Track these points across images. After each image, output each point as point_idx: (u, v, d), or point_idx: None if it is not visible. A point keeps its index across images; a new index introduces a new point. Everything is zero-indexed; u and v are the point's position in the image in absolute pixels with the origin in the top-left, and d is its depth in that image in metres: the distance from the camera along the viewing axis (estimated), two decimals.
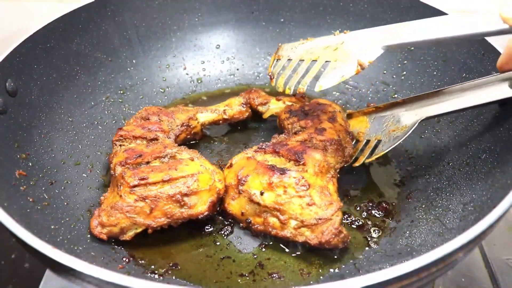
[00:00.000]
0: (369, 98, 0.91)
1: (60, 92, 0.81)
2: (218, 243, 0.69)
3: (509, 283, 0.71)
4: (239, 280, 0.64)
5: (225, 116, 0.85)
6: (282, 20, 0.99)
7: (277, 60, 0.69)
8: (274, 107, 0.85)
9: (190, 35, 1.00)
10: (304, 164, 0.65)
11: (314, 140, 0.69)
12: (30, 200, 0.65)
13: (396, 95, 0.89)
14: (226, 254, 0.67)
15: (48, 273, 0.72)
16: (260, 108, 0.86)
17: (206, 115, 0.84)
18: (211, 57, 1.01)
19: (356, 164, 0.71)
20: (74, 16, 0.84)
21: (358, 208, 0.73)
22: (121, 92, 0.91)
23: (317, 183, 0.64)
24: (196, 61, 1.00)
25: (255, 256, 0.67)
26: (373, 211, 0.73)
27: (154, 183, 0.64)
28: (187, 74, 0.99)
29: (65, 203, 0.70)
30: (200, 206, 0.65)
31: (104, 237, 0.64)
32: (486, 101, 0.64)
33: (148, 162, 0.67)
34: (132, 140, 0.74)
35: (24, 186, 0.66)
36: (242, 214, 0.67)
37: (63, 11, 0.83)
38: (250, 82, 0.99)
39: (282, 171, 0.64)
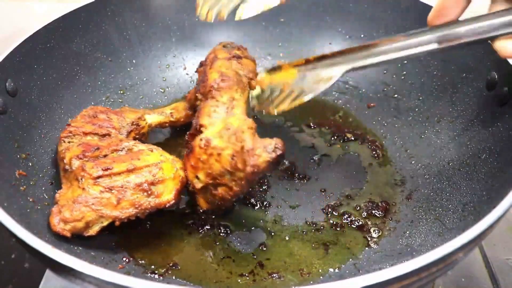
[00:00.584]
0: (369, 98, 0.92)
1: (60, 92, 0.81)
2: (218, 243, 0.69)
3: (509, 283, 0.71)
4: (239, 280, 0.64)
5: (171, 119, 0.85)
6: (282, 20, 0.99)
7: None
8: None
9: (190, 35, 1.00)
10: (201, 126, 0.66)
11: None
12: (30, 200, 0.65)
13: (396, 95, 0.89)
14: (226, 254, 0.67)
15: (48, 273, 0.72)
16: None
17: (153, 117, 0.83)
18: None
19: (276, 111, 0.69)
20: (74, 16, 0.84)
21: (358, 208, 0.73)
22: (121, 92, 0.91)
23: (216, 130, 0.63)
24: (196, 61, 1.00)
25: (255, 256, 0.67)
26: (373, 211, 0.73)
27: (119, 173, 0.62)
28: (187, 74, 0.99)
29: None
30: (166, 194, 0.64)
31: (68, 234, 0.61)
32: (414, 53, 0.63)
33: (105, 155, 0.66)
34: (82, 136, 0.71)
35: (24, 186, 0.66)
36: (209, 203, 0.67)
37: (63, 11, 0.83)
38: None
39: (190, 149, 0.64)
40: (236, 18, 0.60)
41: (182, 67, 0.99)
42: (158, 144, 0.84)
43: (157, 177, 0.64)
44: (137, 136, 0.79)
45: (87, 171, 0.62)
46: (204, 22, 0.99)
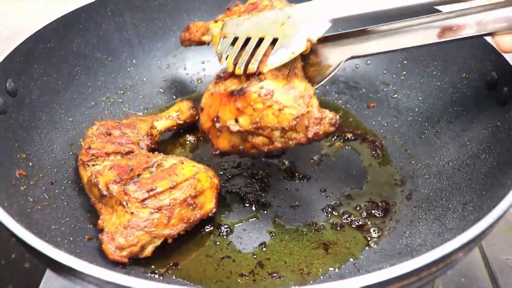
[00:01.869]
0: (369, 98, 0.92)
1: (60, 92, 0.81)
2: (218, 243, 0.69)
3: (509, 283, 0.71)
4: (239, 280, 0.64)
5: (179, 122, 0.86)
6: None
7: (223, 38, 0.67)
8: (217, 30, 0.80)
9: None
10: (260, 73, 0.62)
11: None
12: (30, 200, 0.65)
13: (396, 95, 0.89)
14: (226, 254, 0.67)
15: (48, 273, 0.72)
16: (205, 38, 0.83)
17: (162, 123, 0.84)
18: (211, 57, 1.01)
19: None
20: (74, 16, 0.84)
21: (358, 208, 0.73)
22: (121, 92, 0.91)
23: (280, 85, 0.61)
24: (196, 61, 1.00)
25: (255, 256, 0.67)
26: (373, 211, 0.73)
27: (163, 192, 0.63)
28: (187, 74, 0.99)
29: (65, 203, 0.70)
30: (208, 204, 0.67)
31: (126, 260, 0.62)
32: (415, 44, 0.62)
33: (139, 175, 0.66)
34: (105, 157, 0.70)
35: (24, 186, 0.66)
36: (233, 147, 0.66)
37: (63, 11, 0.83)
38: None
39: (242, 92, 0.62)
40: (266, 70, 0.60)
41: (182, 67, 0.99)
42: (163, 143, 0.86)
43: (198, 189, 0.66)
44: (153, 146, 0.80)
45: (131, 195, 0.63)
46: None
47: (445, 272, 0.51)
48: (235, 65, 0.63)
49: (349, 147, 0.84)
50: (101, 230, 0.64)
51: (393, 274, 0.43)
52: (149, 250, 0.63)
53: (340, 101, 0.94)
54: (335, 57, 0.66)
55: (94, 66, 0.88)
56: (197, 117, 0.88)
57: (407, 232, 0.69)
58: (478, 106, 0.73)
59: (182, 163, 0.68)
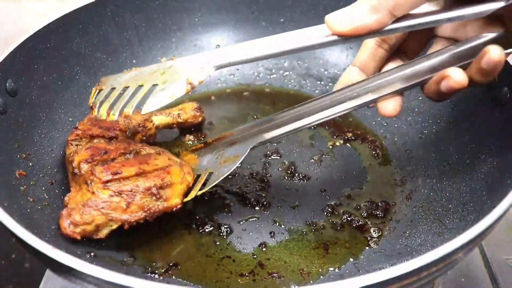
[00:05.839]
0: None
1: (60, 92, 0.81)
2: (218, 243, 0.69)
3: (509, 283, 0.71)
4: (239, 280, 0.64)
5: (179, 120, 0.86)
6: (282, 20, 0.99)
7: (99, 91, 0.66)
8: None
9: (190, 35, 1.00)
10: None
11: None
12: (30, 200, 0.65)
13: None
14: (226, 254, 0.67)
15: (48, 273, 0.72)
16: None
17: (160, 118, 0.84)
18: None
19: (188, 198, 0.68)
20: (74, 16, 0.84)
21: (358, 208, 0.73)
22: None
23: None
24: None
25: (255, 256, 0.67)
26: (373, 211, 0.73)
27: (128, 177, 0.64)
28: None
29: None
30: (174, 198, 0.66)
31: (78, 236, 0.62)
32: (318, 122, 0.66)
33: (113, 159, 0.67)
34: (89, 139, 0.72)
35: (24, 186, 0.66)
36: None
37: (63, 11, 0.83)
38: (250, 82, 0.99)
39: None
40: (143, 113, 0.59)
41: None
42: (165, 143, 0.85)
43: (166, 181, 0.65)
44: (144, 138, 0.80)
45: (96, 175, 0.63)
46: (205, 22, 1.00)
47: (445, 272, 0.51)
48: (109, 114, 0.62)
49: (349, 147, 0.84)
50: (65, 206, 0.65)
51: (393, 274, 0.43)
52: (104, 232, 0.63)
53: None
54: (242, 147, 0.69)
55: (94, 66, 0.88)
56: (200, 119, 0.88)
57: (407, 232, 0.69)
58: (478, 106, 0.73)
59: (159, 154, 0.69)
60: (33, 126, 0.74)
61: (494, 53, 0.51)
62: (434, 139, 0.79)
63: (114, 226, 0.63)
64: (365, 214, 0.73)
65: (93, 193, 0.63)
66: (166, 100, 0.58)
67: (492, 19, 0.56)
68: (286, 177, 0.79)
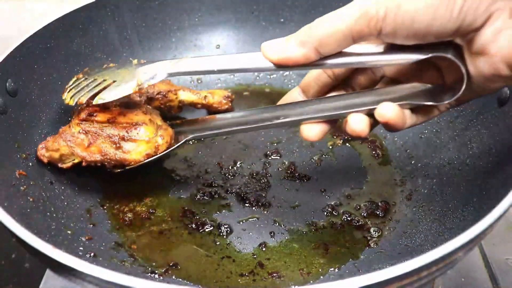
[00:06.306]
0: None
1: (60, 92, 0.81)
2: (218, 243, 0.69)
3: (509, 283, 0.71)
4: (239, 280, 0.64)
5: (204, 102, 0.87)
6: (282, 20, 0.99)
7: (77, 79, 0.73)
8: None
9: (190, 35, 1.00)
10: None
11: None
12: (30, 200, 0.65)
13: None
14: (226, 254, 0.67)
15: (48, 273, 0.72)
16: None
17: (186, 94, 0.86)
18: None
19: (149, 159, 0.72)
20: (74, 16, 0.84)
21: (358, 208, 0.73)
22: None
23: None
24: None
25: (255, 256, 0.67)
26: (373, 211, 0.73)
27: (100, 122, 0.69)
28: None
29: (65, 203, 0.70)
30: (134, 154, 0.69)
31: (45, 160, 0.70)
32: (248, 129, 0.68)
33: (108, 108, 0.71)
34: None
35: (24, 186, 0.66)
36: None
37: (63, 11, 0.83)
38: (250, 82, 0.99)
39: None
40: (94, 102, 0.67)
41: None
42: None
43: (130, 135, 0.69)
44: (162, 106, 0.82)
45: (79, 113, 0.70)
46: (205, 22, 1.00)
47: (445, 272, 0.51)
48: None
49: (349, 147, 0.84)
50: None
51: (393, 274, 0.43)
52: (67, 164, 0.70)
53: None
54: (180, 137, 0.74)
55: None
56: (226, 107, 0.88)
57: (407, 232, 0.69)
58: (478, 106, 0.73)
59: (145, 112, 0.72)
60: (33, 126, 0.74)
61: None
62: (434, 139, 0.79)
63: (76, 161, 0.69)
64: (365, 214, 0.73)
65: (69, 126, 0.70)
66: (117, 95, 0.67)
67: (429, 69, 0.57)
68: (286, 177, 0.79)
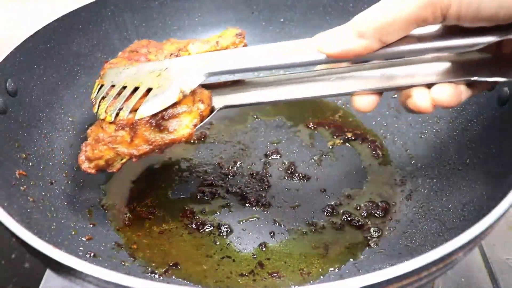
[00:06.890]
0: None
1: (60, 92, 0.81)
2: (218, 243, 0.69)
3: (509, 283, 0.71)
4: (239, 280, 0.64)
5: (217, 48, 0.76)
6: (282, 20, 0.99)
7: (101, 85, 0.67)
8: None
9: (190, 35, 0.99)
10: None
11: None
12: (30, 200, 0.65)
13: (396, 95, 0.89)
14: (226, 254, 0.67)
15: (48, 273, 0.72)
16: None
17: (198, 46, 0.76)
18: None
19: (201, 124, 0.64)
20: (74, 16, 0.84)
21: (358, 208, 0.73)
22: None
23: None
24: None
25: (255, 256, 0.67)
26: (373, 211, 0.73)
27: (132, 110, 0.62)
28: None
29: (65, 203, 0.70)
30: (182, 130, 0.62)
31: (93, 171, 0.63)
32: (296, 97, 0.62)
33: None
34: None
35: (24, 186, 0.66)
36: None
37: (63, 11, 0.83)
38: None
39: None
40: (136, 118, 0.61)
41: None
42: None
43: (169, 112, 0.61)
44: None
45: (107, 110, 0.63)
46: (205, 22, 1.00)
47: (445, 272, 0.51)
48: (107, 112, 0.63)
49: (349, 147, 0.84)
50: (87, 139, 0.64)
51: (393, 274, 0.43)
52: (116, 166, 0.64)
53: (340, 101, 0.94)
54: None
55: (94, 66, 0.88)
56: (241, 45, 0.75)
57: (407, 232, 0.69)
58: (478, 106, 0.73)
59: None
60: (33, 126, 0.74)
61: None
62: (434, 139, 0.79)
63: (124, 160, 0.63)
64: (365, 214, 0.73)
65: (102, 128, 0.62)
66: (158, 107, 0.60)
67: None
68: (286, 177, 0.79)
